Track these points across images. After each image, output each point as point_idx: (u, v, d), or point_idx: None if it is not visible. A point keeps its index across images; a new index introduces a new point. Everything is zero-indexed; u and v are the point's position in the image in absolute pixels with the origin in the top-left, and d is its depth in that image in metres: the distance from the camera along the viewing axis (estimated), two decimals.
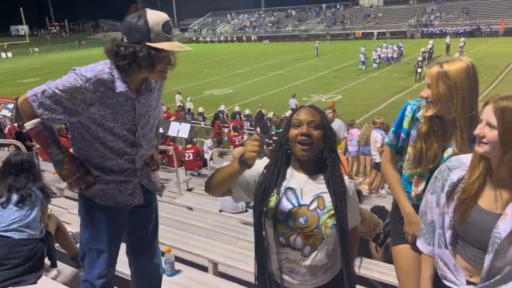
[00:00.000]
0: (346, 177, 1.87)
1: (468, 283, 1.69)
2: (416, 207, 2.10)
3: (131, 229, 2.40)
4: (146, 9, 1.97)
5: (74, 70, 1.94)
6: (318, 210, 1.78)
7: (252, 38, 63.45)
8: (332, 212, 1.78)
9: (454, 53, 29.88)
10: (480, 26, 47.48)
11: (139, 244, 2.44)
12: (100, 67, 1.96)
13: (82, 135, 2.08)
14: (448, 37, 36.01)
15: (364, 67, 28.86)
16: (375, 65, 29.11)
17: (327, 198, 1.79)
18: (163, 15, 1.95)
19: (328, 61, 34.66)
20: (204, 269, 3.81)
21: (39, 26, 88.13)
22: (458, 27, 48.25)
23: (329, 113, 8.62)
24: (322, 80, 26.72)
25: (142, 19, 1.88)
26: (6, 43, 61.72)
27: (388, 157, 2.28)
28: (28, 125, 1.96)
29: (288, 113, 16.33)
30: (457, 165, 1.73)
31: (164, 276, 3.18)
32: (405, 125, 2.16)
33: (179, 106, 18.33)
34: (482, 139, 1.56)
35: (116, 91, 1.98)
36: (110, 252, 2.24)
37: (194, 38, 70.28)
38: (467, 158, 1.71)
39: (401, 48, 33.04)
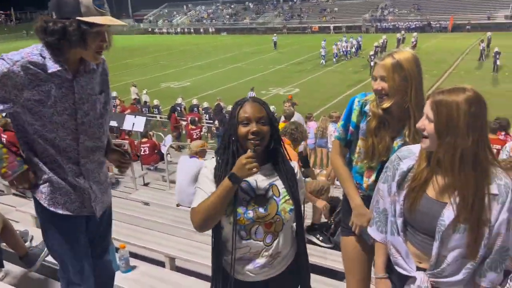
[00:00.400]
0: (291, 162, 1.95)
1: (418, 269, 1.76)
2: (368, 197, 2.15)
3: (88, 229, 2.32)
4: None
5: (1, 56, 1.82)
6: (275, 197, 1.83)
7: (210, 30, 62.84)
8: (287, 197, 1.84)
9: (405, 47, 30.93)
10: (431, 22, 49.39)
11: (90, 241, 2.34)
12: (28, 49, 1.84)
13: (22, 128, 1.94)
14: (402, 31, 37.25)
15: (324, 61, 29.17)
16: (334, 59, 29.53)
17: (280, 184, 1.85)
18: None
19: (286, 55, 34.93)
20: (161, 264, 3.75)
21: None
22: (410, 23, 49.93)
23: (289, 106, 8.71)
24: (280, 73, 26.92)
25: None
26: None
27: (338, 150, 2.31)
28: None
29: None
30: (407, 154, 1.78)
31: (119, 273, 3.12)
32: (354, 118, 2.19)
33: (135, 99, 17.89)
34: (423, 132, 1.63)
35: (49, 71, 1.84)
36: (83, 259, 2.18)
37: (149, 29, 68.73)
38: (416, 148, 1.76)
39: (360, 43, 33.69)
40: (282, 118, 7.94)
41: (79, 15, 1.76)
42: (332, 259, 3.61)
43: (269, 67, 29.38)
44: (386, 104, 2.04)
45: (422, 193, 1.67)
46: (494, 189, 1.58)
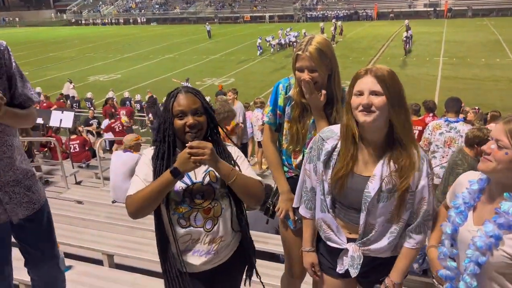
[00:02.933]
0: (229, 146, 1.97)
1: (349, 240, 1.86)
2: (298, 177, 2.24)
3: (18, 238, 2.20)
4: None
5: None
6: (212, 183, 1.85)
7: (139, 21, 60.80)
8: (224, 183, 1.84)
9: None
10: (357, 11, 51.39)
11: (34, 252, 2.24)
12: None
13: None
14: (333, 20, 38.20)
15: (260, 51, 28.98)
16: (272, 50, 29.45)
17: None
18: None
19: (220, 44, 34.70)
20: (99, 262, 3.63)
21: None
22: (338, 11, 51.59)
23: (230, 96, 8.68)
24: (215, 64, 26.72)
25: None
26: None
27: (269, 135, 2.37)
28: None
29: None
30: (330, 135, 1.86)
31: None
32: (280, 102, 2.27)
33: (61, 94, 16.92)
34: (370, 107, 1.65)
35: None
36: None
37: (73, 20, 65.19)
38: (337, 128, 1.85)
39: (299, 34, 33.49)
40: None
41: None
42: (273, 243, 3.69)
43: (203, 57, 29.05)
44: (323, 97, 2.09)
45: (349, 171, 1.76)
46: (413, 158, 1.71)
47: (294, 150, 2.26)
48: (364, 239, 1.81)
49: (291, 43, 29.63)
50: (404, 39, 26.18)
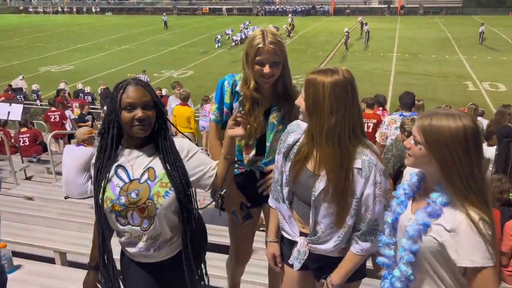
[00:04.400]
0: (179, 139, 1.90)
1: (301, 234, 1.90)
2: (250, 172, 2.28)
3: None
4: None
5: None
6: (148, 181, 1.78)
7: (93, 10, 58.73)
8: (166, 181, 1.78)
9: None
10: (315, 6, 52.09)
11: None
12: None
13: None
14: (289, 15, 38.51)
15: (219, 44, 28.76)
16: (233, 43, 29.25)
17: (158, 168, 1.79)
18: None
19: (178, 36, 34.18)
20: (51, 261, 3.51)
21: None
22: (297, 6, 52.11)
23: (180, 90, 8.58)
24: (173, 55, 26.30)
25: None
26: None
27: (215, 133, 2.34)
28: None
29: None
30: (295, 129, 1.90)
31: None
32: (227, 100, 2.24)
33: (9, 85, 16.10)
34: (299, 108, 1.77)
35: None
36: None
37: (22, 8, 62.00)
38: (303, 123, 1.86)
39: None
40: (178, 102, 7.84)
41: None
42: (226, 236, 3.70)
43: (161, 48, 28.52)
44: (269, 84, 2.11)
45: (303, 166, 1.80)
46: (358, 164, 1.71)
47: (246, 145, 2.25)
48: (314, 237, 1.84)
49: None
50: (346, 34, 26.91)
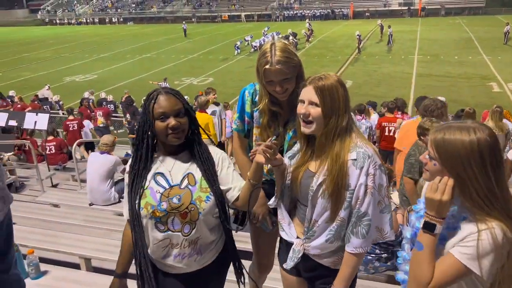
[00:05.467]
0: (211, 147, 1.95)
1: (298, 238, 1.94)
2: (271, 181, 2.27)
3: None
4: None
5: None
6: (189, 186, 1.82)
7: (115, 20, 59.95)
8: (205, 186, 1.82)
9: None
10: (334, 10, 51.88)
11: None
12: None
13: None
14: (307, 20, 38.46)
15: (238, 51, 28.84)
16: (252, 49, 29.23)
17: (197, 173, 1.84)
18: None
19: (198, 44, 34.53)
20: (76, 266, 3.60)
21: None
22: (315, 11, 52.01)
23: (200, 98, 8.65)
24: (193, 63, 26.59)
25: None
26: None
27: (238, 142, 2.39)
28: None
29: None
30: None
31: (29, 280, 2.95)
32: (247, 109, 2.27)
33: (36, 95, 16.57)
34: (308, 118, 1.76)
35: None
36: None
37: (47, 20, 63.79)
38: None
39: (279, 35, 33.30)
40: (214, 108, 7.99)
41: None
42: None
43: (181, 56, 28.86)
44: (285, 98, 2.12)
45: (304, 168, 1.86)
46: (353, 155, 1.74)
47: None
48: (308, 234, 1.86)
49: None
50: (357, 37, 26.81)
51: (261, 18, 53.14)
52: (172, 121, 1.74)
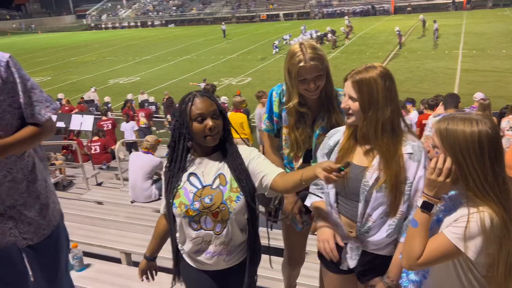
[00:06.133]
0: (240, 146, 1.97)
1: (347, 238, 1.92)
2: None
3: (28, 261, 2.10)
4: None
5: None
6: (221, 187, 1.87)
7: (157, 23, 61.54)
8: (235, 186, 1.87)
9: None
10: (374, 5, 50.82)
11: (38, 279, 2.15)
12: None
13: None
14: (346, 17, 37.95)
15: (277, 50, 28.82)
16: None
17: (228, 173, 1.89)
18: None
19: (236, 44, 34.86)
20: (117, 261, 3.77)
21: None
22: (355, 7, 51.15)
23: (234, 97, 8.81)
24: (231, 63, 26.87)
25: None
26: None
27: (268, 142, 2.44)
28: None
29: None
30: (334, 132, 1.99)
31: (74, 272, 3.12)
32: (275, 109, 2.33)
33: (82, 97, 17.32)
34: (348, 111, 1.81)
35: None
36: None
37: (93, 25, 66.36)
38: (342, 127, 1.97)
39: (318, 33, 33.02)
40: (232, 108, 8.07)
41: None
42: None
43: (220, 57, 29.24)
44: (316, 96, 2.16)
45: (350, 160, 1.82)
46: (409, 149, 1.77)
47: (296, 155, 2.33)
48: (362, 230, 1.86)
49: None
50: (397, 32, 26.21)
51: (300, 16, 52.90)
52: (209, 122, 1.80)
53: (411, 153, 1.76)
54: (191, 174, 1.90)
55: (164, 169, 1.98)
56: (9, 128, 1.80)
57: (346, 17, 37.90)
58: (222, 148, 1.91)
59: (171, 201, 1.88)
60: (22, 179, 1.91)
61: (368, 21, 41.25)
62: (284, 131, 2.32)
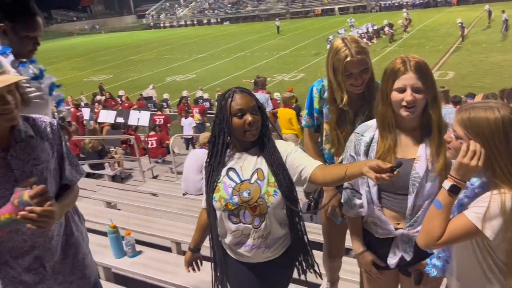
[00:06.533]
0: (278, 141, 2.00)
1: (397, 229, 1.89)
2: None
3: None
4: None
5: None
6: (258, 181, 1.91)
7: (213, 21, 62.71)
8: (272, 180, 1.90)
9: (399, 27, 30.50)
10: None
11: None
12: None
13: None
14: (404, 9, 36.64)
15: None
16: None
17: (265, 168, 1.92)
18: None
19: (290, 40, 34.76)
20: (168, 250, 3.93)
21: None
22: None
23: (284, 93, 8.82)
24: (285, 59, 26.86)
25: None
26: None
27: (308, 138, 2.45)
28: None
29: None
30: (366, 128, 1.94)
31: (126, 258, 3.31)
32: (316, 105, 2.33)
33: (141, 94, 18.09)
34: (413, 104, 1.72)
35: None
36: None
37: (152, 24, 68.79)
38: (370, 121, 1.94)
39: (374, 26, 31.81)
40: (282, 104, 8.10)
41: None
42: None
43: (274, 53, 29.31)
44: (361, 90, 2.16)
45: (393, 156, 1.81)
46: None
47: (337, 151, 2.32)
48: (412, 221, 1.84)
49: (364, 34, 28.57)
50: (460, 24, 24.96)
51: (356, 10, 51.69)
52: (249, 117, 1.84)
53: None
54: (230, 169, 1.94)
55: (204, 164, 2.04)
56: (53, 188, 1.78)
57: (404, 10, 36.56)
58: (260, 143, 1.94)
59: (211, 195, 1.94)
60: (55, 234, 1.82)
61: (429, 13, 39.52)
62: (325, 126, 2.32)
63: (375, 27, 30.16)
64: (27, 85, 1.98)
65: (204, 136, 6.05)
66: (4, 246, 1.66)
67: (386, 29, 28.87)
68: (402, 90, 1.73)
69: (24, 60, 2.13)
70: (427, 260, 1.76)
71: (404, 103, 1.72)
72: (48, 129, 1.75)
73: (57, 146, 1.78)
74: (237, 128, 1.86)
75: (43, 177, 1.70)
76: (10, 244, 1.67)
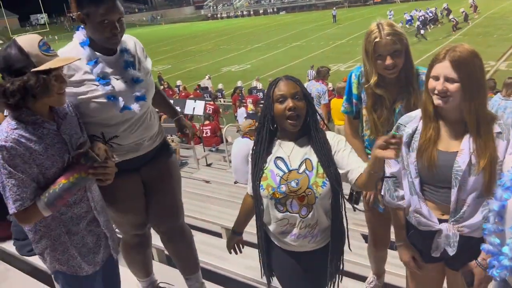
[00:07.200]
0: (329, 133, 2.00)
1: (441, 221, 1.87)
2: None
3: None
4: (12, 37, 1.92)
5: None
6: (307, 171, 1.90)
7: (269, 11, 62.58)
8: (321, 171, 1.90)
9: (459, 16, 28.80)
10: None
11: None
12: (5, 124, 1.75)
13: None
14: None
15: None
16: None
17: (314, 159, 1.92)
18: (34, 36, 1.79)
19: (347, 29, 33.98)
20: (218, 235, 4.09)
21: (58, 14, 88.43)
22: None
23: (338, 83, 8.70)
24: (341, 49, 26.33)
25: (15, 48, 1.71)
26: (28, 33, 62.66)
27: (348, 124, 2.46)
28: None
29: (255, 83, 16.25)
30: (408, 120, 1.91)
31: None
32: (354, 91, 2.34)
33: (198, 85, 18.56)
34: (446, 93, 1.71)
35: (34, 139, 1.74)
36: None
37: (210, 15, 69.84)
38: (415, 112, 1.91)
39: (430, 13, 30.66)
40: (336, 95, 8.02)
41: (33, 66, 1.70)
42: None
43: (330, 43, 28.83)
44: (394, 74, 2.15)
45: (435, 148, 1.79)
46: (497, 128, 1.73)
47: (377, 138, 2.31)
48: (457, 216, 1.81)
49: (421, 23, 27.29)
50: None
51: None
52: (289, 103, 1.84)
53: (499, 132, 1.72)
54: (278, 157, 1.95)
55: (250, 152, 2.07)
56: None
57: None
58: (308, 133, 1.94)
59: (257, 182, 1.95)
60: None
61: (494, 1, 36.98)
62: (364, 112, 2.33)
63: (430, 14, 28.69)
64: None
65: (245, 125, 6.10)
66: (65, 217, 1.90)
67: (451, 16, 27.43)
68: (436, 78, 1.73)
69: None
70: (494, 262, 1.63)
71: (436, 92, 1.73)
72: (70, 107, 2.00)
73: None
74: (278, 114, 1.87)
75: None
76: (69, 214, 1.91)
